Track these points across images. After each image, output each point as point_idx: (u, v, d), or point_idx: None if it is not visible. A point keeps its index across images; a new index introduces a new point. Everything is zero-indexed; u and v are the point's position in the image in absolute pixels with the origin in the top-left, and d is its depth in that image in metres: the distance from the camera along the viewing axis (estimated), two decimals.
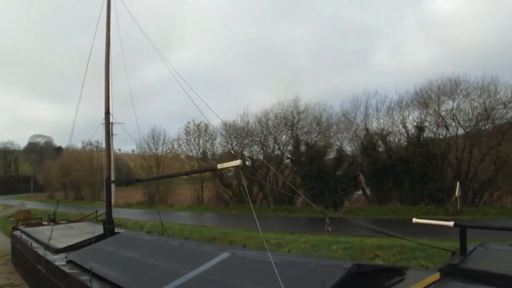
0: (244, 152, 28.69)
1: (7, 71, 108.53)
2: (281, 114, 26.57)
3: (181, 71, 9.17)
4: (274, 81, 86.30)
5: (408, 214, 18.68)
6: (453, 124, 20.26)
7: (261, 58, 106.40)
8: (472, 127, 19.67)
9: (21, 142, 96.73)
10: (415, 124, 21.13)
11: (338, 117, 24.85)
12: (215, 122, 38.27)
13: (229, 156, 27.99)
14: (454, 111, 20.05)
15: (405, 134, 21.69)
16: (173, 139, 34.95)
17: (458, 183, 17.90)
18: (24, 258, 10.95)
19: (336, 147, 24.42)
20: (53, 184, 55.72)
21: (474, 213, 16.72)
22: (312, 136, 25.24)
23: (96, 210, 18.09)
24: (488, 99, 19.15)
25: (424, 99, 20.98)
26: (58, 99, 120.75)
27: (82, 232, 10.91)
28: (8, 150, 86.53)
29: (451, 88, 20.13)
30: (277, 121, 26.82)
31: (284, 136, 26.71)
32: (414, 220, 4.23)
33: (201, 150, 31.99)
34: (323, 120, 25.24)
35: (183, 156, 34.69)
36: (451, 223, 3.87)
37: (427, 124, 20.84)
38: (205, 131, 31.40)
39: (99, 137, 46.17)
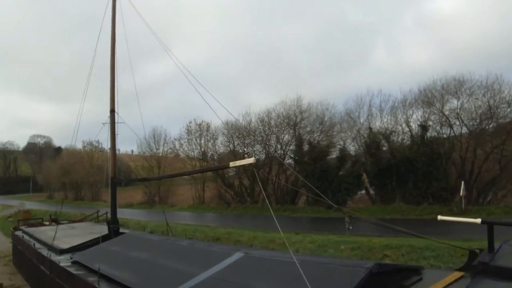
0: (245, 151, 28.54)
1: (6, 71, 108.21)
2: (284, 113, 26.51)
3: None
4: (274, 81, 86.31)
5: (412, 213, 18.62)
6: (457, 123, 20.18)
7: (261, 58, 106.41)
8: (476, 126, 19.58)
9: (21, 142, 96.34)
10: (419, 123, 21.06)
11: (341, 116, 24.84)
12: (217, 120, 37.86)
13: (230, 155, 27.83)
14: (458, 110, 19.95)
15: (409, 133, 21.62)
16: (175, 139, 34.90)
17: (462, 182, 17.83)
18: (27, 259, 10.80)
19: (339, 146, 24.36)
20: (52, 184, 55.47)
21: (478, 213, 16.54)
22: (315, 136, 25.15)
23: (98, 210, 18.02)
24: (492, 98, 19.06)
25: (428, 98, 20.87)
26: (58, 99, 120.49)
27: (85, 232, 10.81)
28: (7, 150, 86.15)
29: (455, 87, 20.05)
30: (279, 120, 26.74)
31: (286, 136, 26.65)
32: (439, 217, 4.17)
33: (202, 150, 31.86)
34: (326, 119, 25.19)
35: (183, 156, 34.54)
36: (478, 220, 3.81)
37: (431, 123, 20.76)
38: (207, 130, 31.30)
39: (100, 136, 46.02)
